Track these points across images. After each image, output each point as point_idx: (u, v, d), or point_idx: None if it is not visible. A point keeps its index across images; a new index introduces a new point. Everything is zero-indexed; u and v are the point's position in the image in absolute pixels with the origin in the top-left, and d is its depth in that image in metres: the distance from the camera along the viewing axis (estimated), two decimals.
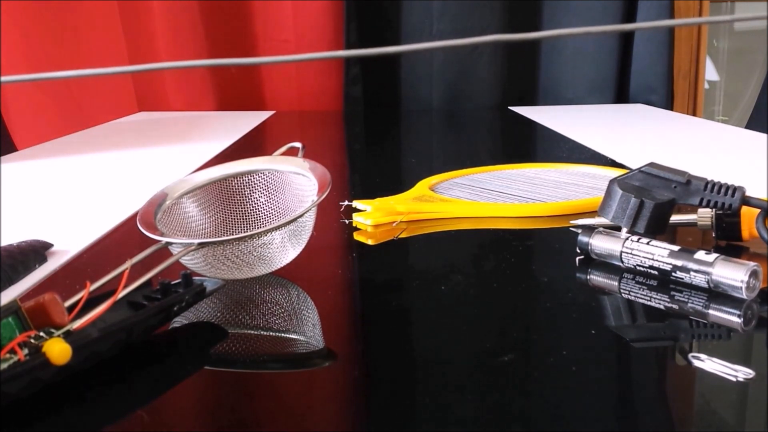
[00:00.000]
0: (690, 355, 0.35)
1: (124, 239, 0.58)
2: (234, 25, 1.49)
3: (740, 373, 0.32)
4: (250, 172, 0.51)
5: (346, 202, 0.62)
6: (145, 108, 1.51)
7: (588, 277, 0.46)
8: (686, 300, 0.41)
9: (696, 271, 0.41)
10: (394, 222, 0.58)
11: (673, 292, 0.42)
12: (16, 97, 1.14)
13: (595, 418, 0.30)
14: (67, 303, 0.33)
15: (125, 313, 0.35)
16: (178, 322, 0.39)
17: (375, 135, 1.31)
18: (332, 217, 0.60)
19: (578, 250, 0.48)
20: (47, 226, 0.61)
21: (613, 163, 0.84)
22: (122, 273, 0.36)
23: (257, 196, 0.51)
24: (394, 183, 0.77)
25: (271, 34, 1.49)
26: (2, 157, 0.98)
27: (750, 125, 1.50)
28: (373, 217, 0.57)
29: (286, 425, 0.30)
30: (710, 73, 1.76)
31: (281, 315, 0.41)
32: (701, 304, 0.40)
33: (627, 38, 1.54)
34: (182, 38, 1.46)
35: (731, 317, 0.39)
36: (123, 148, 1.06)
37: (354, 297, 0.46)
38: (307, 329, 0.40)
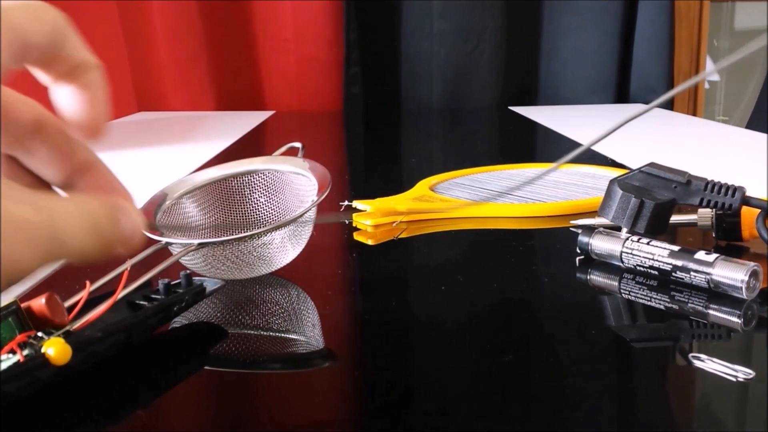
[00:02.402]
0: (690, 355, 0.35)
1: None
2: (234, 25, 1.49)
3: (740, 373, 0.32)
4: (249, 172, 0.51)
5: (346, 202, 0.62)
6: (145, 108, 1.51)
7: (588, 277, 0.46)
8: (686, 300, 0.41)
9: (696, 271, 0.41)
10: (394, 222, 0.58)
11: (673, 292, 0.42)
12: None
13: (595, 418, 0.30)
14: (67, 303, 0.33)
15: (125, 313, 0.35)
16: (178, 322, 0.39)
17: (375, 135, 1.31)
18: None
19: (578, 250, 0.48)
20: None
21: (613, 163, 0.84)
22: (122, 273, 0.36)
23: (257, 196, 0.51)
24: (394, 183, 0.77)
25: (271, 34, 1.49)
26: None
27: (750, 125, 1.50)
28: (373, 217, 0.57)
29: (286, 425, 0.30)
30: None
31: (281, 315, 0.41)
32: (701, 304, 0.40)
33: (627, 38, 1.54)
34: (182, 38, 1.46)
35: (731, 317, 0.39)
36: (123, 148, 1.06)
37: (354, 297, 0.46)
38: (307, 329, 0.40)
